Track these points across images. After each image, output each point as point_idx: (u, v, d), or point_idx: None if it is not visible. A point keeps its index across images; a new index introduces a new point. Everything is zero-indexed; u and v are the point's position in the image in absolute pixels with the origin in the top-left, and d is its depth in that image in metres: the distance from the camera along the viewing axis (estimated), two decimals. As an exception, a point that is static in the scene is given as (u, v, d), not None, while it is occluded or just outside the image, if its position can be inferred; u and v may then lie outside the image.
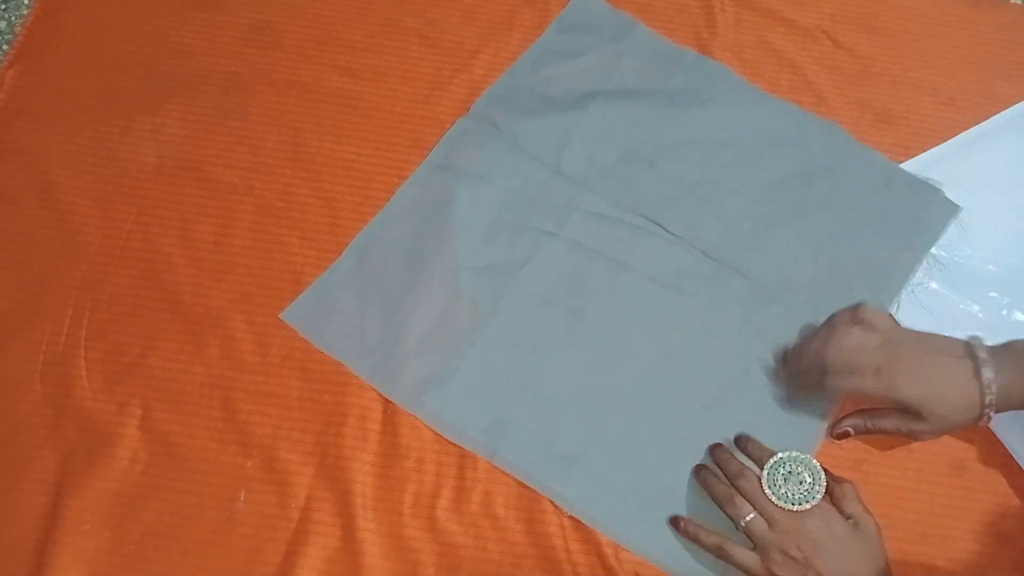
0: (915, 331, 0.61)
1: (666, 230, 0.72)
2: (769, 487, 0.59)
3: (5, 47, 0.90)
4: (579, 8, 0.83)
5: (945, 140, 0.77)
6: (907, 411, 0.59)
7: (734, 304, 0.70)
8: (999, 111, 0.78)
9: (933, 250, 0.72)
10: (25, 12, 0.92)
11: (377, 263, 0.71)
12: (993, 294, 0.71)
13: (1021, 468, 0.65)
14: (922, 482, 0.65)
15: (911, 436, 0.61)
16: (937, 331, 0.69)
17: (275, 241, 0.72)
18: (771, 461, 0.60)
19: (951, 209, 0.72)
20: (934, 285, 0.71)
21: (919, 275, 0.71)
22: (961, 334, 0.69)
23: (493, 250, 0.72)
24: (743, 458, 0.62)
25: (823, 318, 0.66)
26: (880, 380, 0.59)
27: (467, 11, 0.82)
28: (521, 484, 0.65)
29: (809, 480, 0.59)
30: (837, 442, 0.64)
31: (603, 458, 0.65)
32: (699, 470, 0.63)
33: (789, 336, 0.68)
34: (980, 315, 0.70)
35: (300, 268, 0.71)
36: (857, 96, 0.79)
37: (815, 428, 0.66)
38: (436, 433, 0.66)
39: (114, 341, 0.68)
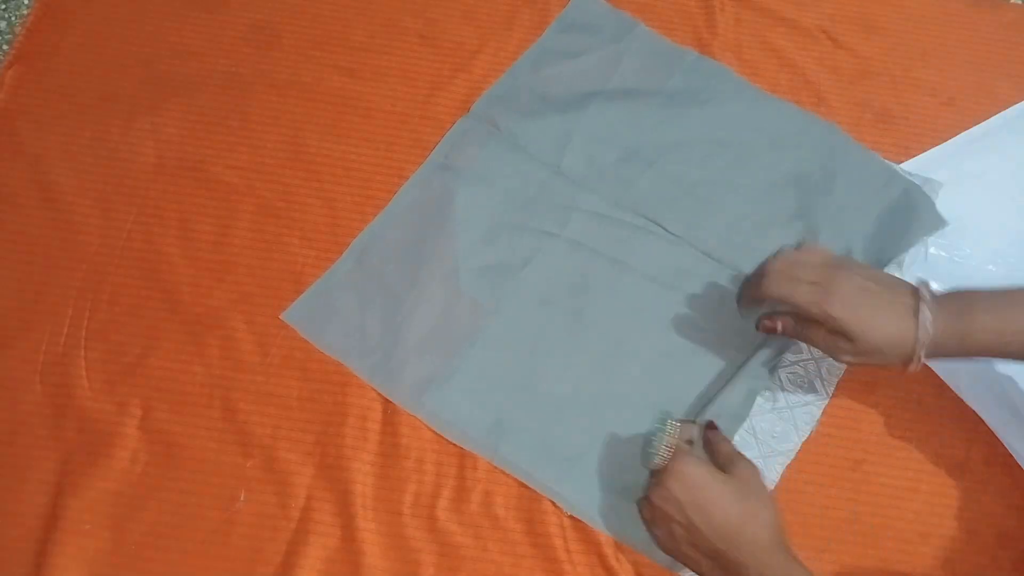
0: (861, 262, 0.60)
1: (666, 230, 0.73)
2: (641, 460, 0.60)
3: (5, 47, 0.90)
4: (579, 8, 0.83)
5: (945, 140, 0.77)
6: (836, 331, 0.57)
7: (734, 304, 0.70)
8: (999, 111, 0.78)
9: (932, 249, 0.72)
10: (25, 12, 0.91)
11: (377, 263, 0.71)
12: (993, 294, 0.71)
13: (1021, 468, 0.65)
14: (922, 482, 0.65)
15: (835, 356, 0.59)
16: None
17: (275, 241, 0.72)
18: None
19: (938, 223, 0.72)
20: (934, 285, 0.71)
21: (919, 276, 0.71)
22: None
23: (493, 250, 0.72)
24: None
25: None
26: (814, 292, 0.57)
27: (467, 11, 0.82)
28: (521, 484, 0.65)
29: (658, 440, 0.58)
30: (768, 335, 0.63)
31: (603, 458, 0.65)
32: None
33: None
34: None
35: (300, 268, 0.71)
36: (857, 96, 0.79)
37: (809, 424, 0.66)
38: (436, 433, 0.66)
39: (114, 341, 0.68)
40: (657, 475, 0.57)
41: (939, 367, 0.68)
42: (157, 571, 0.62)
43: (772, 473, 0.64)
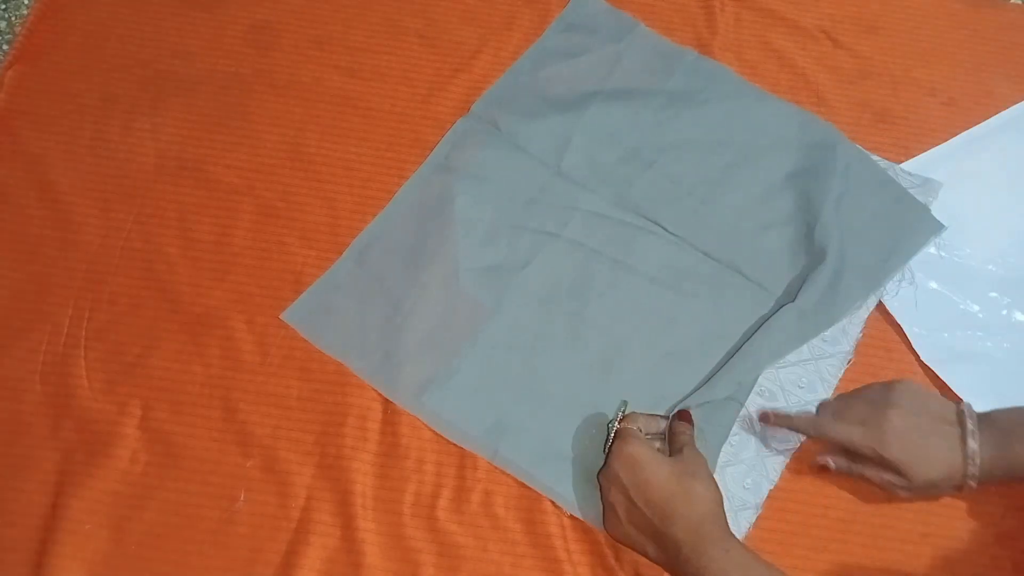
0: (912, 385, 0.62)
1: (666, 230, 0.73)
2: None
3: (5, 47, 0.90)
4: (579, 8, 0.83)
5: (945, 140, 0.77)
6: (889, 467, 0.60)
7: (734, 304, 0.70)
8: (999, 111, 0.78)
9: (932, 249, 0.72)
10: (25, 12, 0.91)
11: (377, 263, 0.71)
12: (993, 294, 0.71)
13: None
14: (922, 482, 0.65)
15: (890, 491, 0.61)
16: (937, 331, 0.70)
17: (275, 241, 0.72)
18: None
19: (936, 227, 0.72)
20: (934, 285, 0.71)
21: (919, 276, 0.71)
22: (961, 334, 0.69)
23: (494, 251, 0.72)
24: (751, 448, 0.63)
25: (822, 318, 0.66)
26: (867, 436, 0.60)
27: (467, 11, 0.82)
28: (521, 484, 0.65)
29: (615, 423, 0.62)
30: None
31: (603, 458, 0.65)
32: None
33: (789, 336, 0.68)
34: (980, 315, 0.70)
35: (300, 268, 0.71)
36: (857, 96, 0.79)
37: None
38: (436, 433, 0.66)
39: (114, 341, 0.68)
40: (606, 457, 0.60)
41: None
42: (157, 571, 0.62)
43: (772, 472, 0.64)
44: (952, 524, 0.64)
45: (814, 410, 0.65)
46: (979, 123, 0.78)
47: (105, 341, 0.68)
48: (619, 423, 0.62)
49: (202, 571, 0.62)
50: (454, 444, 0.66)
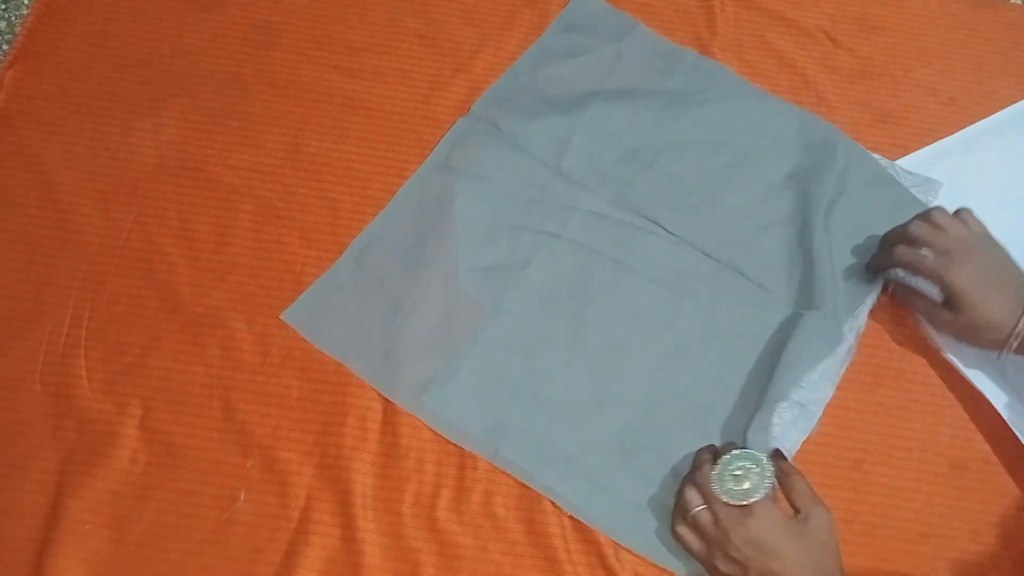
0: (998, 243, 0.65)
1: (666, 230, 0.72)
2: (717, 482, 0.59)
3: (5, 47, 0.90)
4: (579, 8, 0.83)
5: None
6: (947, 299, 0.62)
7: (734, 304, 0.70)
8: (999, 110, 0.78)
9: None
10: (25, 12, 0.92)
11: (377, 263, 0.71)
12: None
13: (1021, 468, 0.65)
14: (922, 482, 0.65)
15: (934, 323, 0.64)
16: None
17: (275, 241, 0.72)
18: (725, 457, 0.60)
19: None
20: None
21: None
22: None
23: (494, 251, 0.72)
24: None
25: (823, 319, 0.66)
26: (940, 262, 0.62)
27: (467, 11, 0.82)
28: (521, 484, 0.65)
29: (756, 476, 0.58)
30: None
31: (603, 458, 0.65)
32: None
33: (789, 336, 0.68)
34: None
35: (300, 268, 0.71)
36: (857, 96, 0.79)
37: (810, 424, 0.66)
38: (436, 433, 0.66)
39: (114, 341, 0.68)
40: (730, 511, 0.57)
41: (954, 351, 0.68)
42: (157, 571, 0.62)
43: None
44: (952, 524, 0.64)
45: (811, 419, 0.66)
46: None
47: (105, 341, 0.68)
48: (768, 475, 0.58)
49: (202, 571, 0.62)
50: (454, 444, 0.66)
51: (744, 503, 0.57)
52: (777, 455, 0.61)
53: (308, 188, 0.74)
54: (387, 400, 0.67)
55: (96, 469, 0.64)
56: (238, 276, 0.71)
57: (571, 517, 0.63)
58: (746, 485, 0.58)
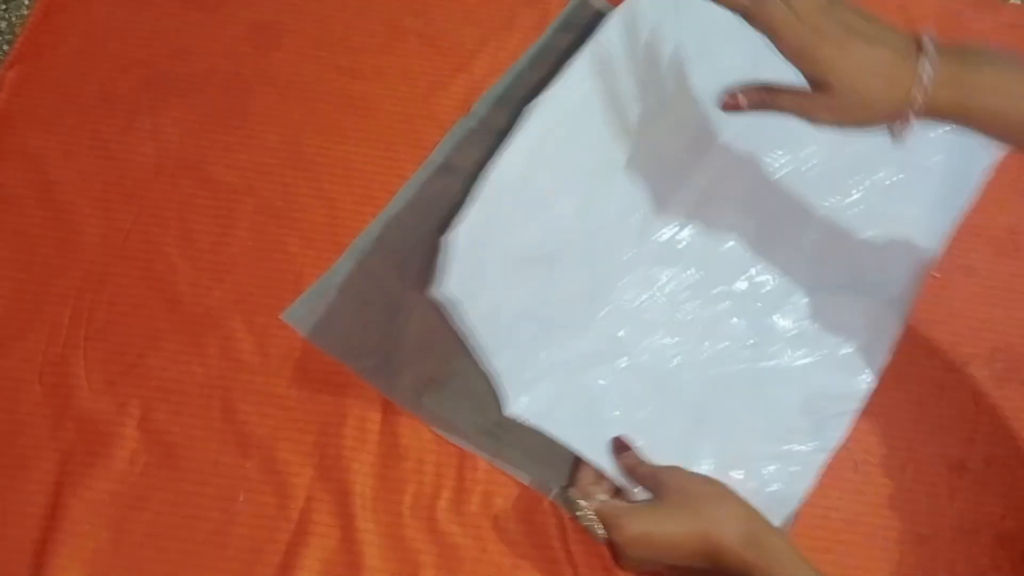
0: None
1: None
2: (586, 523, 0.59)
3: (5, 47, 0.90)
4: (579, 8, 0.82)
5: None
6: (814, 80, 0.49)
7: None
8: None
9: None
10: (25, 12, 0.91)
11: (377, 264, 0.71)
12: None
13: (1021, 468, 0.65)
14: (922, 482, 0.65)
15: (809, 117, 0.51)
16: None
17: (275, 241, 0.72)
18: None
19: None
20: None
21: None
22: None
23: (493, 250, 0.72)
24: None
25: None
26: (801, 27, 0.49)
27: (467, 11, 0.82)
28: (521, 485, 0.65)
29: (590, 523, 0.58)
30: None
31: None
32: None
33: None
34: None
35: (300, 268, 0.71)
36: (857, 96, 0.79)
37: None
38: (436, 434, 0.66)
39: (114, 341, 0.68)
40: (610, 546, 0.58)
41: None
42: (157, 571, 0.62)
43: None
44: (952, 524, 0.64)
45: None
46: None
47: (105, 341, 0.68)
48: (590, 516, 0.58)
49: (202, 571, 0.62)
50: (454, 445, 0.66)
51: (607, 540, 0.58)
52: (619, 446, 0.61)
53: (308, 188, 0.74)
54: (387, 401, 0.67)
55: (95, 469, 0.64)
56: (238, 276, 0.71)
57: (571, 517, 0.63)
58: (598, 529, 0.58)
